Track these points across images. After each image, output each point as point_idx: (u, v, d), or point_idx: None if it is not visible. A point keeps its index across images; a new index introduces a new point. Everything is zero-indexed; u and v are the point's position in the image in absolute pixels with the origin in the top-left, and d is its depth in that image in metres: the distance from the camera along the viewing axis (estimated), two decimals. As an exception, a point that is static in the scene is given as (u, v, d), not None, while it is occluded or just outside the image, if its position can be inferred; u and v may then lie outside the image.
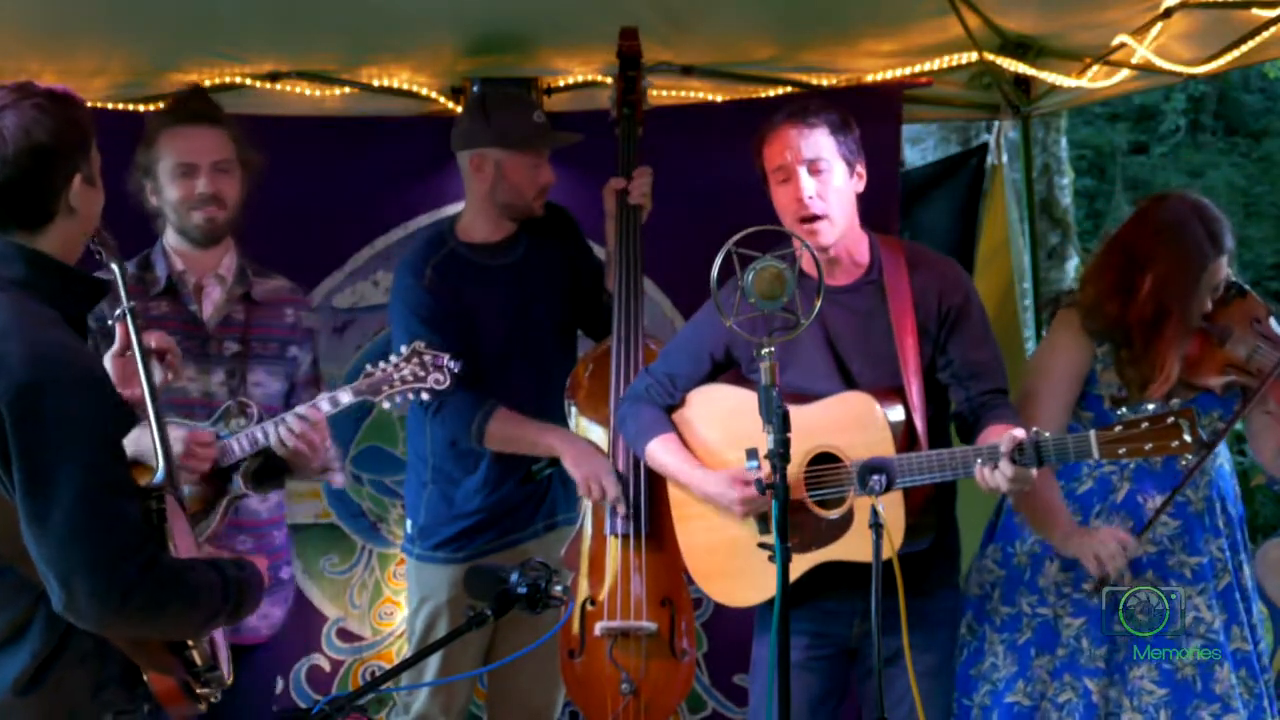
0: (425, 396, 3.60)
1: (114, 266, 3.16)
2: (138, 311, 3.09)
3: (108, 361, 3.06)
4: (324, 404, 3.55)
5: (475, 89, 4.87)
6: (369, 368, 3.59)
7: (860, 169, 3.52)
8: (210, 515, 3.54)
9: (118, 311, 3.09)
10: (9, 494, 2.44)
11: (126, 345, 3.04)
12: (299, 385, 3.79)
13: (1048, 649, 3.70)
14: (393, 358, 3.59)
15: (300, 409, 3.53)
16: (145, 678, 2.56)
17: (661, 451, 3.68)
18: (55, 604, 2.44)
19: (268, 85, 4.92)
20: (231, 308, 3.73)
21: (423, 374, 3.57)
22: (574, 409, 4.14)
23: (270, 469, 3.61)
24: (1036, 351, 4.04)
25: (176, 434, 3.45)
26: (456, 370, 3.60)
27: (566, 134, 4.29)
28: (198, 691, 2.60)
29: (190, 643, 2.59)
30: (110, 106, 4.80)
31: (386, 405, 3.59)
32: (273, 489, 3.75)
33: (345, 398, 3.56)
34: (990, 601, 3.79)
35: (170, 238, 3.74)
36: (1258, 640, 3.73)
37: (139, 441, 2.94)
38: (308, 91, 4.93)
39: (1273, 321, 3.77)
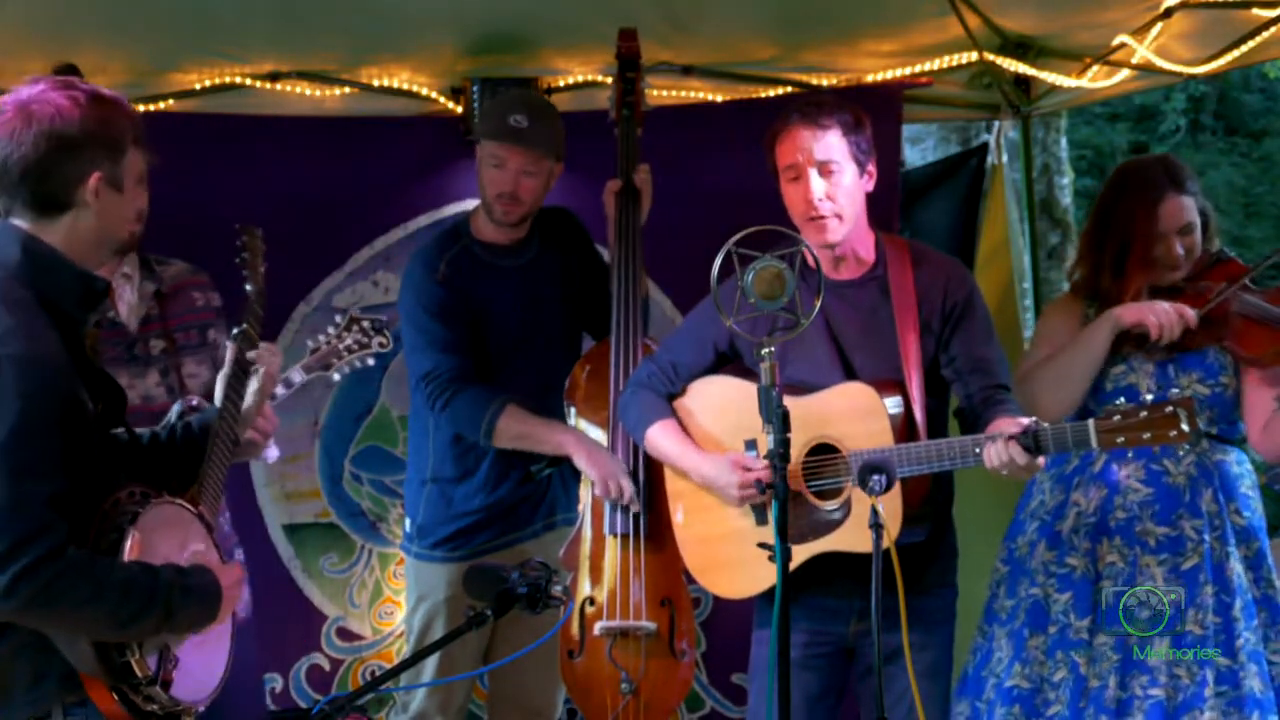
0: (371, 362, 3.56)
1: (248, 287, 3.19)
2: (252, 336, 3.11)
3: (219, 380, 3.09)
4: (278, 387, 3.48)
5: (475, 88, 4.88)
6: (310, 343, 3.54)
7: (871, 168, 3.54)
8: None
9: (235, 331, 3.13)
10: None
11: (233, 366, 3.07)
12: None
13: (1040, 629, 3.75)
14: (331, 329, 3.55)
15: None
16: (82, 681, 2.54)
17: (661, 436, 3.68)
18: None
19: (268, 85, 4.92)
20: (147, 305, 3.68)
21: (366, 340, 3.53)
22: (573, 410, 4.14)
23: None
24: (1035, 331, 4.12)
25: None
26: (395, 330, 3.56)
27: (549, 148, 4.12)
28: (143, 708, 2.56)
29: (129, 652, 2.55)
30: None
31: (336, 376, 3.55)
32: None
33: (297, 377, 3.52)
34: (997, 600, 3.83)
35: None
36: (1234, 636, 3.71)
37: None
38: (308, 91, 4.93)
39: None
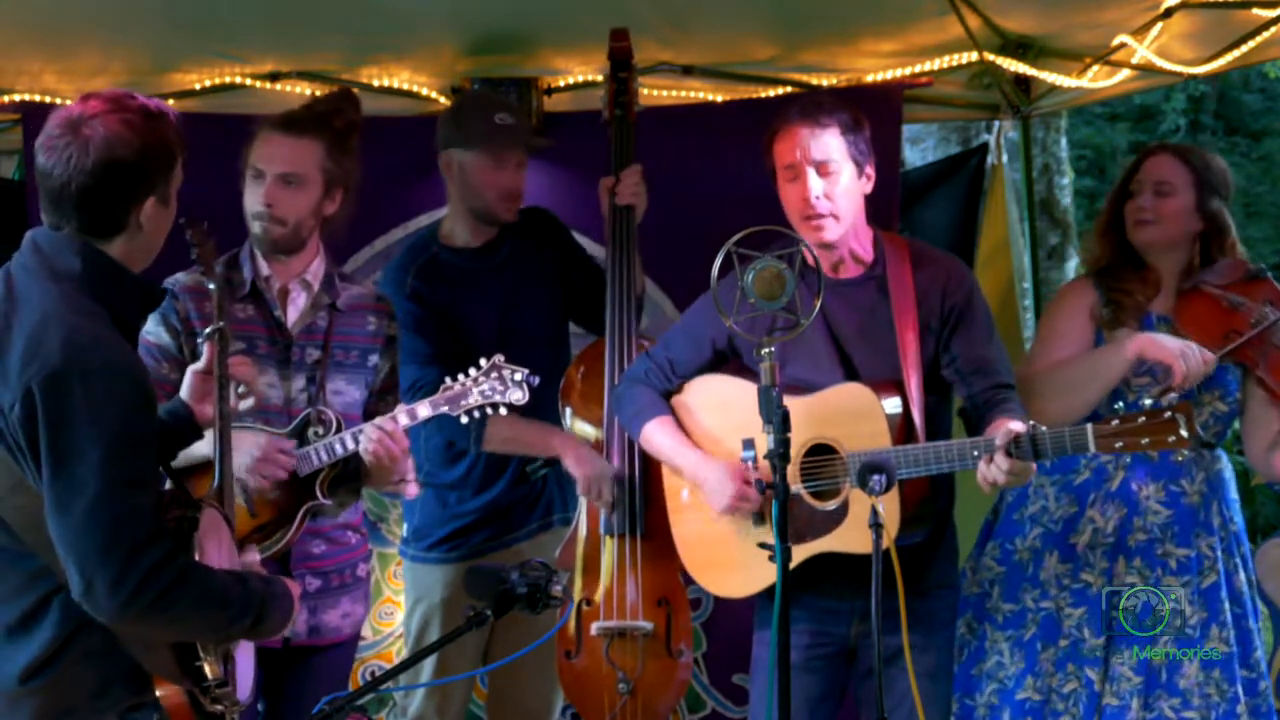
0: (504, 411, 3.54)
1: (211, 286, 3.20)
2: (227, 334, 3.13)
3: (189, 376, 3.12)
4: (402, 417, 3.51)
5: (475, 88, 4.88)
6: (448, 381, 3.54)
7: (869, 169, 3.55)
8: (289, 524, 3.54)
9: (208, 330, 3.13)
10: (37, 481, 2.46)
11: (211, 364, 3.08)
12: (375, 393, 3.77)
13: (1052, 641, 3.73)
14: (472, 371, 3.53)
15: (379, 420, 3.50)
16: (154, 684, 2.57)
17: (657, 433, 3.68)
18: (73, 591, 2.45)
19: (268, 85, 4.92)
20: (316, 315, 3.70)
21: (502, 388, 3.51)
22: (569, 410, 4.15)
23: (345, 478, 3.60)
24: (1042, 317, 4.11)
25: (256, 440, 3.46)
26: (535, 384, 3.54)
27: (534, 139, 4.26)
28: (208, 708, 2.59)
29: (202, 655, 2.59)
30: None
31: (464, 420, 3.54)
32: (348, 499, 3.73)
33: (424, 411, 3.51)
34: (990, 599, 3.80)
35: None
36: (1251, 647, 3.72)
37: (195, 453, 3.04)
38: (308, 91, 4.92)
39: None
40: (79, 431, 2.43)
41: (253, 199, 3.65)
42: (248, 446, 3.43)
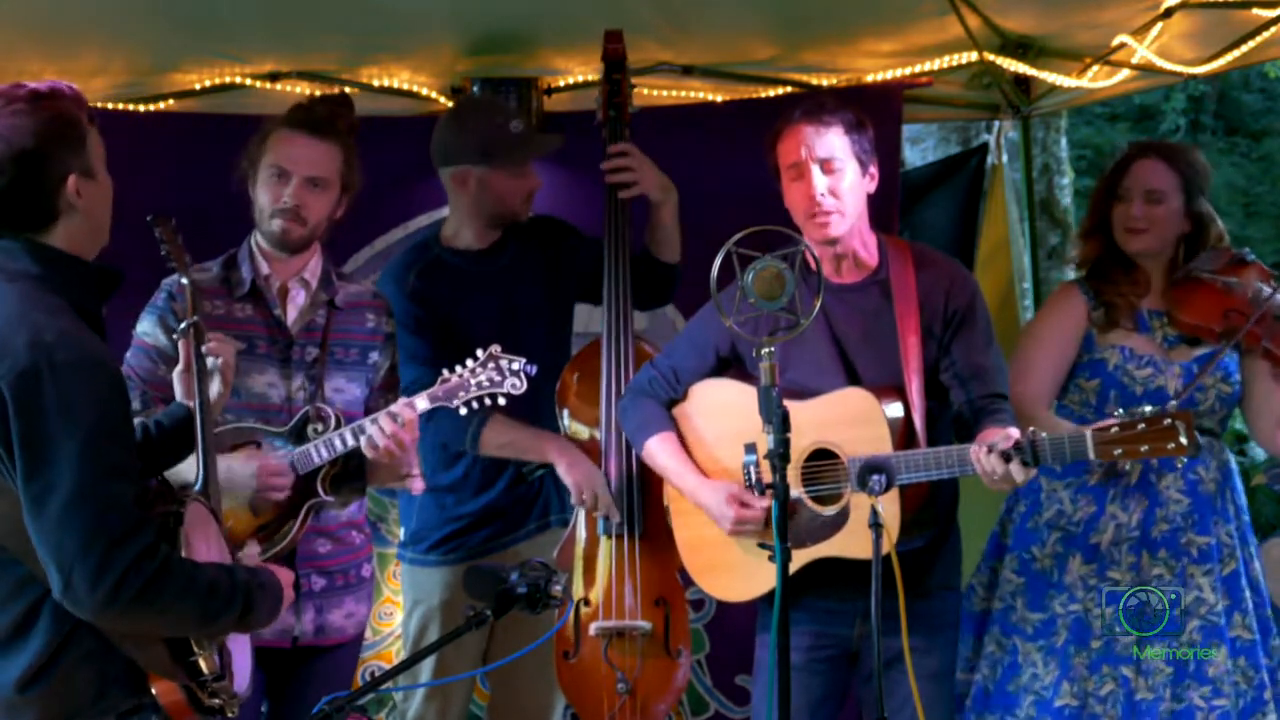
0: (502, 401, 3.55)
1: (184, 281, 3.19)
2: (202, 328, 3.11)
3: (177, 381, 3.09)
4: (403, 410, 3.50)
5: (476, 88, 4.87)
6: (445, 373, 3.54)
7: (873, 169, 3.55)
8: (292, 523, 3.54)
9: (183, 325, 3.10)
10: (13, 481, 2.44)
11: (190, 361, 3.06)
12: (375, 390, 3.77)
13: (1083, 644, 3.73)
14: (469, 362, 3.53)
15: (393, 408, 3.50)
16: (149, 682, 2.56)
17: (660, 451, 3.68)
18: (53, 590, 2.43)
19: (268, 85, 4.92)
20: (314, 313, 3.71)
21: (499, 379, 3.52)
22: (565, 412, 4.14)
23: (348, 475, 3.60)
24: (1027, 324, 4.10)
25: (249, 467, 3.46)
26: (533, 374, 3.54)
27: (549, 138, 4.28)
28: (206, 703, 2.58)
29: (196, 649, 2.57)
30: (110, 106, 4.80)
31: (463, 411, 3.55)
32: (352, 496, 3.73)
33: (422, 403, 3.51)
34: (1016, 612, 3.79)
35: (258, 237, 3.73)
36: (1271, 634, 3.74)
37: (182, 476, 2.99)
38: (308, 91, 4.92)
39: None
40: (52, 427, 2.41)
41: (272, 197, 3.65)
42: (242, 472, 3.45)
